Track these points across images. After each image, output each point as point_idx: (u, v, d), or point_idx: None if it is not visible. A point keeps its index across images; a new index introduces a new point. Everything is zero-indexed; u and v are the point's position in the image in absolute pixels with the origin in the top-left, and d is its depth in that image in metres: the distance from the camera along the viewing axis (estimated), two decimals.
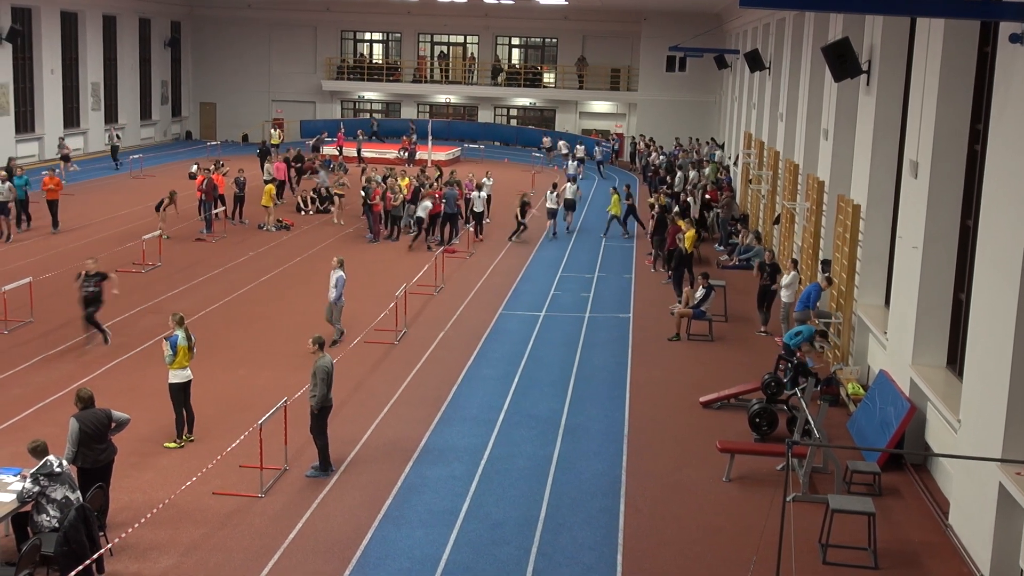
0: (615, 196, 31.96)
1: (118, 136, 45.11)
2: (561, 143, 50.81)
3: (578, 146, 48.64)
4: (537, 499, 13.21)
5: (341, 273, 19.24)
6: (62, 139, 37.50)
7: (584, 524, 12.56)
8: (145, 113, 55.04)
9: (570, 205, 32.67)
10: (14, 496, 10.90)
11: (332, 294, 19.29)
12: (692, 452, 14.93)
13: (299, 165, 39.09)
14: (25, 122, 45.11)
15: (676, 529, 12.50)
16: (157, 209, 29.47)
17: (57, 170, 36.00)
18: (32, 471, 10.71)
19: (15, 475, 11.57)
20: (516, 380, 17.96)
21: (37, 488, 10.58)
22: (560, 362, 19.12)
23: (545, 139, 52.48)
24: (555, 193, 31.89)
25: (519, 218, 30.57)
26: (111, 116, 51.79)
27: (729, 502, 13.32)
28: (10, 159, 34.14)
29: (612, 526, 12.52)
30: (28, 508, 10.85)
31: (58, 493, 10.60)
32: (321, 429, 13.65)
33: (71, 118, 48.31)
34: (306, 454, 14.02)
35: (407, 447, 14.71)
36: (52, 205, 29.54)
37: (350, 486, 13.42)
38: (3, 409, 15.72)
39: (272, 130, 44.40)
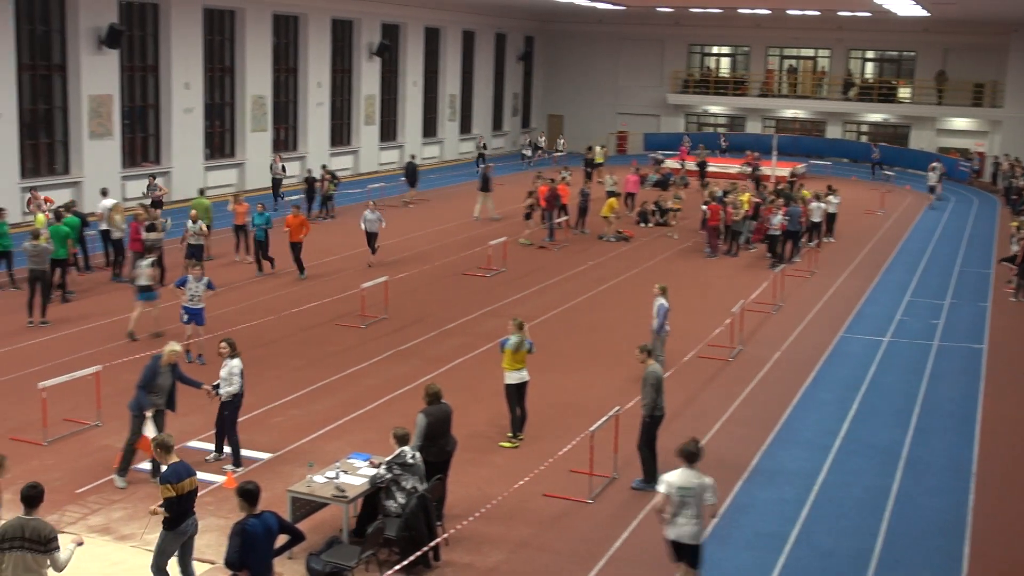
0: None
1: (484, 146, 47.35)
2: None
3: (935, 164, 46.07)
4: (872, 532, 12.60)
5: (663, 301, 18.03)
6: (153, 178, 30.93)
7: (922, 563, 11.84)
8: (497, 124, 57.48)
9: None
10: (366, 480, 11.63)
11: (655, 323, 18.20)
12: None
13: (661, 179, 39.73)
14: (389, 131, 48.33)
15: None
16: (526, 217, 30.60)
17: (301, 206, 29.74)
18: (387, 459, 11.37)
19: (365, 460, 12.33)
20: (855, 406, 17.23)
21: (390, 476, 11.23)
22: (904, 391, 18.17)
23: (875, 152, 50.46)
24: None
25: None
26: (465, 127, 54.48)
27: None
28: (236, 193, 29.87)
29: (953, 569, 11.73)
30: (379, 490, 11.52)
31: (408, 483, 11.20)
32: (649, 440, 13.60)
33: (430, 128, 51.22)
34: (635, 464, 14.03)
35: (737, 465, 14.44)
36: (294, 248, 24.90)
37: None
38: (356, 398, 16.83)
39: (597, 148, 44.72)
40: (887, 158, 51.42)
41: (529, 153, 52.36)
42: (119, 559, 11.20)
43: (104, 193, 26.26)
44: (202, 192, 28.81)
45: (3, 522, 8.95)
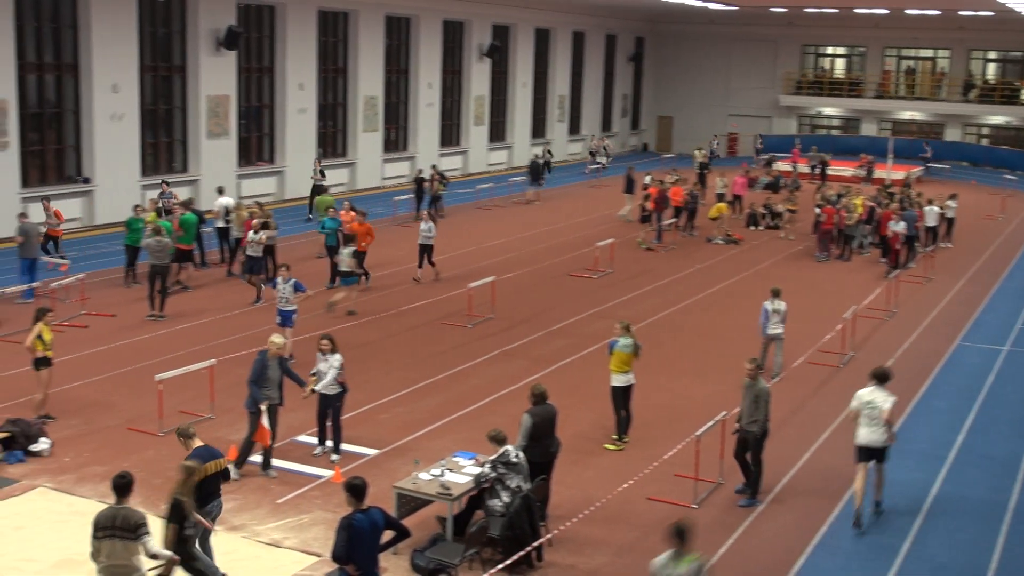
0: None
1: (549, 152, 45.67)
2: None
3: None
4: (988, 546, 12.22)
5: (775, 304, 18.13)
6: (166, 184, 28.25)
7: None
8: (606, 125, 57.35)
9: None
10: (470, 478, 11.70)
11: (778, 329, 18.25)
12: None
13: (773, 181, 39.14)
14: (498, 132, 48.59)
15: None
16: (644, 219, 30.42)
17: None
18: (492, 458, 11.42)
19: (470, 459, 12.40)
20: (972, 417, 16.74)
21: (494, 474, 11.28)
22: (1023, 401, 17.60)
23: (927, 151, 49.19)
24: None
25: None
26: (575, 128, 54.47)
27: None
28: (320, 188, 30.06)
29: None
30: (483, 489, 11.58)
31: (513, 482, 11.23)
32: (757, 454, 13.33)
33: (538, 129, 51.34)
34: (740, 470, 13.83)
35: (847, 475, 14.10)
36: (358, 257, 22.83)
37: (784, 508, 13.13)
38: (462, 397, 16.94)
39: (697, 151, 44.05)
40: (1010, 162, 49.88)
41: (604, 161, 48.90)
42: (230, 549, 11.45)
43: (220, 191, 26.94)
44: (326, 189, 29.55)
45: (98, 512, 9.26)
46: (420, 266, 24.82)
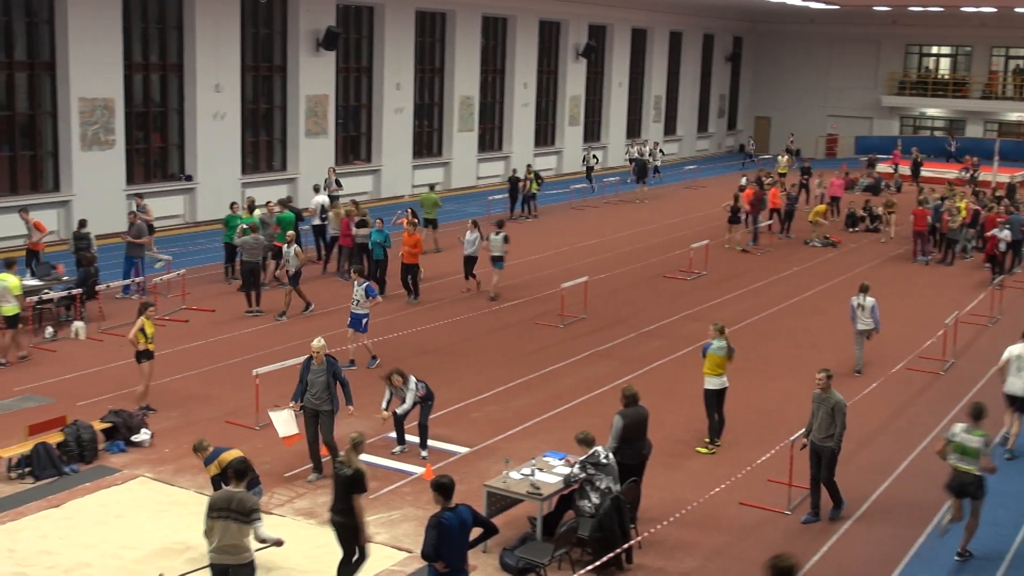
0: None
1: (595, 157, 42.98)
2: None
3: None
4: None
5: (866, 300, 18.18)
6: (139, 198, 25.15)
7: None
8: (702, 125, 56.86)
9: None
10: (560, 478, 11.68)
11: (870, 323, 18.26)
12: None
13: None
14: (592, 132, 48.50)
15: None
16: (732, 221, 30.15)
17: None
18: (582, 459, 11.38)
19: (560, 459, 12.39)
20: None
21: (584, 475, 11.25)
22: None
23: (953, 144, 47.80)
24: None
25: None
26: (670, 128, 54.12)
27: None
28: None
29: None
30: (572, 490, 11.57)
31: (603, 483, 11.19)
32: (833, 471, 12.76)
33: (633, 129, 51.11)
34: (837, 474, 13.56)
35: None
36: (407, 271, 22.44)
37: (880, 516, 12.86)
38: (553, 397, 16.93)
39: (780, 157, 43.16)
40: None
41: (656, 163, 44.34)
42: (323, 543, 11.59)
43: (317, 190, 27.31)
44: (432, 188, 29.91)
45: (213, 494, 9.77)
46: (466, 277, 23.83)
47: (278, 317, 20.87)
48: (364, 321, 17.97)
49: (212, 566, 9.44)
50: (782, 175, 40.45)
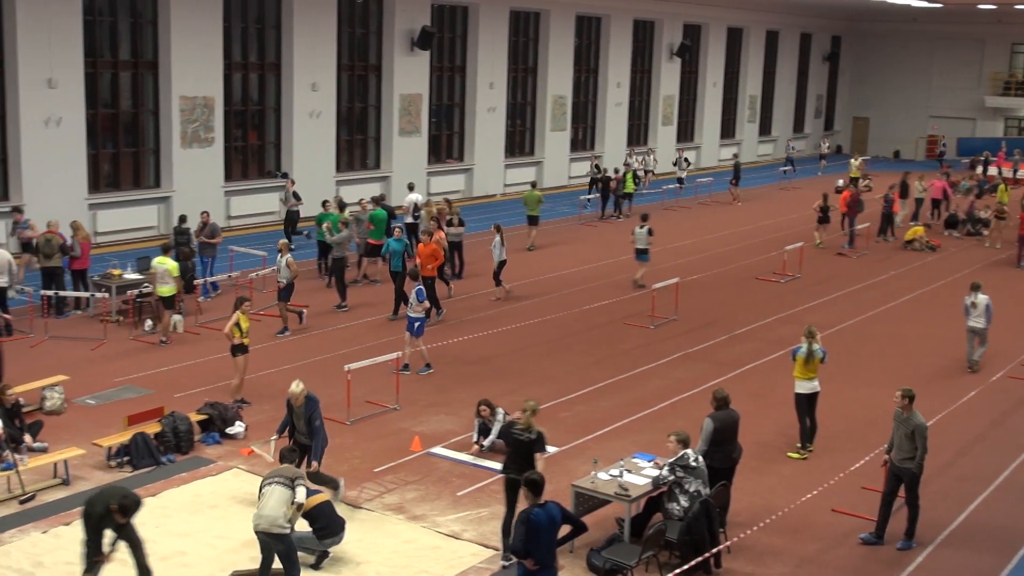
0: None
1: (687, 161, 41.34)
2: None
3: None
4: None
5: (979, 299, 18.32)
6: (18, 213, 23.16)
7: None
8: (798, 126, 56.03)
9: None
10: (649, 480, 11.61)
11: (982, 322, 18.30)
12: None
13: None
14: (686, 132, 48.12)
15: None
16: (821, 221, 29.76)
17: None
18: (671, 461, 11.30)
19: (649, 461, 12.32)
20: None
21: (672, 477, 11.16)
22: None
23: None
24: None
25: None
26: (765, 128, 53.43)
27: None
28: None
29: None
30: (661, 492, 11.49)
31: (692, 486, 11.08)
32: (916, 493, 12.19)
33: (727, 129, 50.58)
34: (931, 485, 13.23)
35: None
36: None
37: (977, 529, 12.51)
38: (642, 398, 16.82)
39: (852, 160, 42.00)
40: None
41: (681, 174, 40.24)
42: (411, 538, 11.69)
43: (411, 187, 27.53)
44: (533, 185, 30.05)
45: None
46: (496, 284, 23.04)
47: (279, 334, 19.69)
48: (417, 324, 17.64)
49: (256, 534, 10.37)
50: (854, 180, 39.40)
